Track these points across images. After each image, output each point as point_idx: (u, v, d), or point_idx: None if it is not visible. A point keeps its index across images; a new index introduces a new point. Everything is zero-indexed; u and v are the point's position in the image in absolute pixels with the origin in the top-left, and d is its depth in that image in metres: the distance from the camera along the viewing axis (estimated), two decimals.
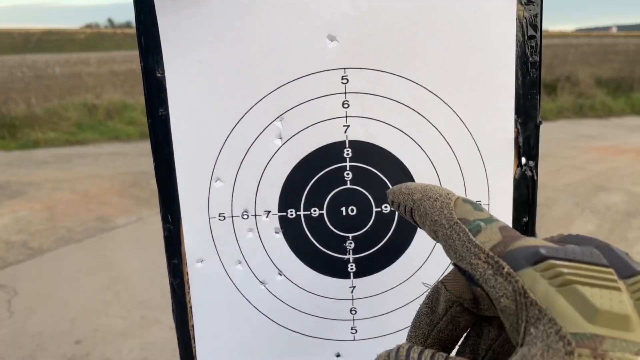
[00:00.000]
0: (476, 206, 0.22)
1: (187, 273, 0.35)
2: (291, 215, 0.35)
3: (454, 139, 0.34)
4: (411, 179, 0.34)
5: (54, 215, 3.55)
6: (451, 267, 0.36)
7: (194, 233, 0.35)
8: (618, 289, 0.18)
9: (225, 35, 0.32)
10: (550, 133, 5.54)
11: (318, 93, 0.33)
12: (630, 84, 8.20)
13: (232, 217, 0.35)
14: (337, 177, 0.34)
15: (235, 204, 0.35)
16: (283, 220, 0.35)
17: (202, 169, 0.34)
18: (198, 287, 0.35)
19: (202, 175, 0.34)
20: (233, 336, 0.36)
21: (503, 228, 0.21)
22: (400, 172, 0.34)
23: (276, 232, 0.35)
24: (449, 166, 0.34)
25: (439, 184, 0.34)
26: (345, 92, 0.33)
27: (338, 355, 0.37)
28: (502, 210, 0.35)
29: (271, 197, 0.35)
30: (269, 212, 0.35)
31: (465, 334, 0.24)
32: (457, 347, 0.23)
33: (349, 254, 0.35)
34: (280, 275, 0.36)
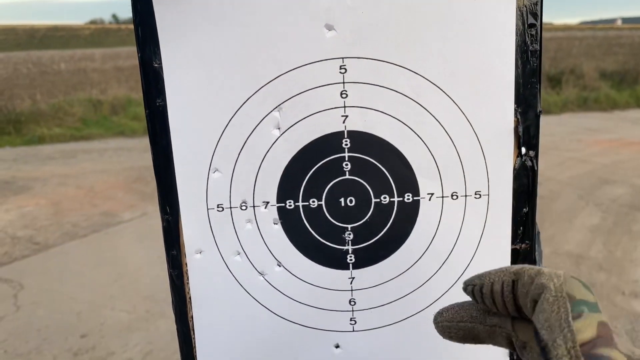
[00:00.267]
0: (585, 285, 0.22)
1: (186, 264, 0.35)
2: (290, 206, 0.35)
3: (454, 128, 0.34)
4: (410, 169, 0.34)
5: (60, 210, 3.56)
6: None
7: (192, 224, 0.35)
8: None
9: (223, 25, 0.32)
10: (554, 126, 5.52)
11: (316, 83, 0.33)
12: (634, 76, 8.14)
13: (231, 208, 0.35)
14: (335, 168, 0.34)
15: (234, 195, 0.34)
16: (281, 211, 0.35)
17: (200, 160, 0.34)
18: (197, 278, 0.35)
19: (200, 166, 0.34)
20: (232, 327, 0.36)
21: (602, 324, 0.20)
22: (399, 163, 0.34)
23: (275, 223, 0.35)
24: (449, 156, 0.34)
25: (438, 174, 0.34)
26: (343, 82, 0.33)
27: (337, 346, 0.37)
28: (502, 200, 0.34)
29: (269, 188, 0.35)
30: (268, 203, 0.35)
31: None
32: None
33: (348, 245, 0.35)
34: (279, 266, 0.36)
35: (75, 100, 6.90)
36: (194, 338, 0.36)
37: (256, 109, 0.33)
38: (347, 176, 0.34)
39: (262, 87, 0.33)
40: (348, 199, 0.35)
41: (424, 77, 0.33)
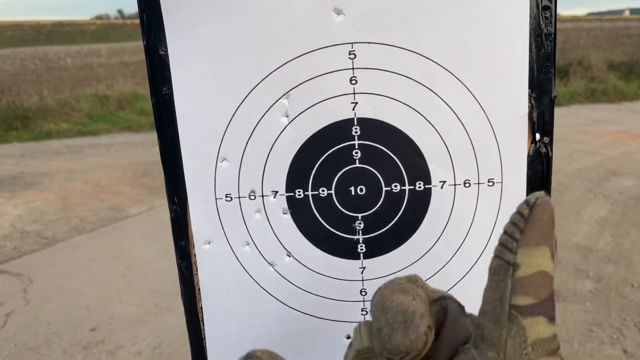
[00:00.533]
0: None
1: (194, 255, 0.35)
2: (299, 195, 0.34)
3: (466, 115, 0.33)
4: (421, 157, 0.33)
5: (68, 205, 3.58)
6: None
7: (200, 214, 0.34)
8: None
9: (229, 10, 0.31)
10: (562, 118, 5.47)
11: (325, 69, 0.32)
12: None
13: (239, 197, 0.34)
14: (345, 156, 0.34)
15: (242, 185, 0.34)
16: (291, 201, 0.34)
17: (208, 149, 0.33)
18: (206, 269, 0.35)
19: (207, 155, 0.33)
20: (242, 318, 0.36)
21: None
22: (411, 150, 0.33)
23: (284, 213, 0.35)
24: (461, 143, 0.33)
25: (450, 162, 0.34)
26: (352, 68, 0.32)
27: (349, 337, 0.36)
28: (516, 188, 0.34)
29: (278, 177, 0.34)
30: (277, 192, 0.34)
31: None
32: None
33: (359, 235, 0.35)
34: (289, 256, 0.35)
35: (82, 96, 6.93)
36: (204, 329, 0.36)
37: (264, 97, 0.33)
38: (357, 164, 0.34)
39: (270, 73, 0.32)
40: (358, 188, 0.34)
41: (435, 62, 0.32)
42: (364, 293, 0.36)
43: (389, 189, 0.34)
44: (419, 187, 0.34)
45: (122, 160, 4.67)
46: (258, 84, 0.32)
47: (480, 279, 0.34)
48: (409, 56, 0.32)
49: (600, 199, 3.31)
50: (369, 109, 0.33)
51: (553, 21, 0.32)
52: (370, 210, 0.34)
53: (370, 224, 0.35)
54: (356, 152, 0.34)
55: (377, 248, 0.35)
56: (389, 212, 0.34)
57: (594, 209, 3.14)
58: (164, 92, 0.33)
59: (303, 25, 0.32)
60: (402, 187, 0.34)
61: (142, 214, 3.38)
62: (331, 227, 0.35)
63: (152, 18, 0.32)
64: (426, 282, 0.24)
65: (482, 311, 0.23)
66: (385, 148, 0.34)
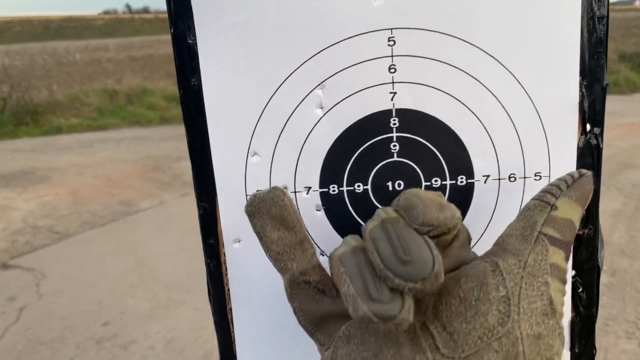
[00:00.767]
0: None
1: (224, 254, 0.33)
2: (333, 191, 0.32)
3: (512, 104, 0.31)
4: (464, 149, 0.32)
5: (79, 199, 3.59)
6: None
7: (230, 212, 0.33)
8: None
9: None
10: None
11: (362, 57, 0.30)
12: None
13: None
14: (382, 149, 0.32)
15: (274, 180, 0.32)
16: (324, 197, 0.33)
17: (238, 143, 0.32)
18: (236, 268, 0.33)
19: (238, 149, 0.32)
20: (273, 320, 0.34)
21: None
22: (453, 143, 0.31)
23: (317, 210, 0.33)
24: (506, 135, 0.31)
25: (494, 155, 0.32)
26: (392, 56, 0.30)
27: None
28: None
29: (312, 172, 0.32)
30: (310, 188, 0.32)
31: None
32: None
33: None
34: (322, 255, 0.33)
35: (91, 91, 6.95)
36: (233, 331, 0.34)
37: (297, 87, 0.31)
38: (395, 158, 0.32)
39: (304, 63, 0.31)
40: (396, 183, 0.32)
41: (479, 48, 0.30)
42: None
43: (428, 184, 0.32)
44: (461, 182, 0.32)
45: (131, 155, 4.67)
46: (291, 73, 0.31)
47: None
48: (452, 42, 0.30)
49: (613, 192, 3.26)
50: (408, 99, 0.31)
51: (606, 3, 0.30)
52: None
53: None
54: (394, 145, 0.32)
55: None
56: None
57: (607, 202, 3.10)
58: (192, 83, 0.31)
59: (340, 11, 0.30)
60: (443, 182, 0.32)
61: (152, 209, 3.38)
62: None
63: (180, 4, 0.30)
64: None
65: (507, 234, 0.26)
66: (425, 140, 0.32)
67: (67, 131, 5.96)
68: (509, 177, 0.32)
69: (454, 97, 0.31)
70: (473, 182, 0.32)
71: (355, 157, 0.32)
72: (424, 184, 0.32)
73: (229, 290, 0.34)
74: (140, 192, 3.69)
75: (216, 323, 0.34)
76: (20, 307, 2.28)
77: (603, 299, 2.15)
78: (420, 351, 0.23)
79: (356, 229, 0.33)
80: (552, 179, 0.32)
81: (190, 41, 0.30)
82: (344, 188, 0.32)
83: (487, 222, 0.33)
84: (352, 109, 0.31)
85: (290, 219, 0.27)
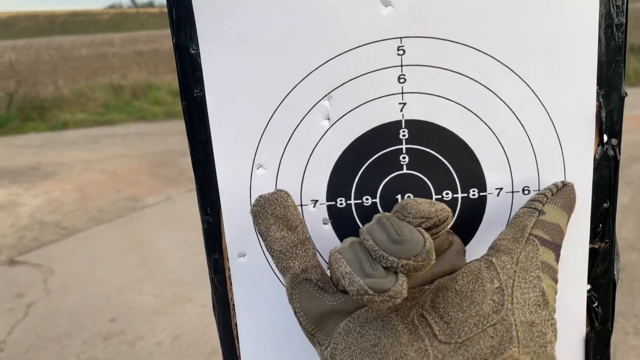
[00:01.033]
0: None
1: (228, 269, 0.32)
2: (341, 204, 0.32)
3: (526, 115, 0.30)
4: (476, 162, 0.30)
5: (85, 195, 3.60)
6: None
7: (235, 225, 0.32)
8: None
9: (266, 4, 0.28)
10: None
11: (370, 67, 0.29)
12: None
13: None
14: (391, 162, 0.31)
15: None
16: (332, 210, 0.32)
17: (243, 156, 0.31)
18: (241, 283, 0.33)
19: (242, 162, 0.31)
20: (279, 336, 0.33)
21: None
22: (464, 155, 0.30)
23: (324, 223, 0.32)
24: (520, 146, 0.30)
25: (507, 167, 0.31)
26: (401, 65, 0.29)
27: None
28: (580, 195, 0.31)
29: (318, 184, 0.31)
30: (316, 201, 0.32)
31: None
32: None
33: None
34: (329, 269, 0.32)
35: (97, 86, 6.96)
36: (238, 347, 0.34)
37: (304, 98, 0.30)
38: (405, 170, 0.31)
39: (310, 73, 0.30)
40: (406, 196, 0.31)
41: (492, 57, 0.29)
42: None
43: (439, 196, 0.31)
44: (473, 195, 0.31)
45: (138, 150, 4.68)
46: (297, 84, 0.30)
47: None
48: (464, 51, 0.29)
49: (622, 186, 3.23)
50: (418, 110, 0.30)
51: (625, 10, 0.29)
52: None
53: None
54: (404, 157, 0.31)
55: None
56: None
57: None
58: (195, 95, 0.30)
59: (347, 19, 0.29)
60: (455, 195, 0.31)
61: (159, 204, 3.38)
62: None
63: (182, 13, 0.29)
64: None
65: (499, 239, 0.28)
66: (436, 152, 0.31)
67: (73, 126, 5.97)
68: (523, 190, 0.31)
69: (465, 107, 0.30)
70: (485, 195, 0.31)
71: (364, 170, 0.31)
72: (434, 196, 0.31)
73: (234, 305, 0.33)
74: (147, 187, 3.69)
75: (221, 338, 0.34)
76: (28, 303, 2.29)
77: None
78: (418, 339, 0.24)
79: None
80: None
81: (192, 51, 0.29)
82: (352, 201, 0.31)
83: None
84: (360, 120, 0.30)
85: (293, 219, 0.28)
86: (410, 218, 0.26)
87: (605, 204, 0.31)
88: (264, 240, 0.28)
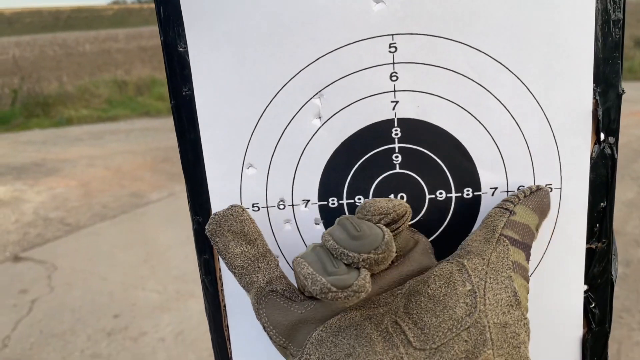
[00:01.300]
0: None
1: (219, 269, 0.32)
2: (333, 204, 0.31)
3: (521, 113, 0.29)
4: (470, 161, 0.30)
5: (89, 191, 3.61)
6: None
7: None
8: None
9: (255, 0, 0.28)
10: None
11: (362, 65, 0.29)
12: None
13: (267, 207, 0.31)
14: (384, 161, 0.30)
15: (270, 193, 0.31)
16: (324, 210, 0.31)
17: (233, 155, 0.30)
18: (232, 284, 0.32)
19: (232, 162, 0.30)
20: None
21: None
22: (458, 154, 0.30)
23: (316, 223, 0.31)
24: (515, 145, 0.30)
25: (502, 166, 0.30)
26: (393, 63, 0.29)
27: None
28: (577, 194, 0.30)
29: (310, 184, 0.31)
30: (308, 201, 0.31)
31: None
32: None
33: None
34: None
35: (101, 82, 6.97)
36: (230, 349, 0.33)
37: (294, 97, 0.29)
38: (398, 170, 0.30)
39: (301, 71, 0.29)
40: (399, 196, 0.31)
41: (486, 54, 0.28)
42: None
43: (433, 196, 0.31)
44: (467, 195, 0.31)
45: (141, 146, 4.69)
46: (287, 82, 0.29)
47: (533, 294, 0.30)
48: (457, 48, 0.28)
49: (627, 181, 3.22)
50: (411, 109, 0.29)
51: (622, 5, 0.28)
52: (413, 220, 0.31)
53: None
54: (396, 157, 0.30)
55: None
56: (433, 222, 0.31)
57: (622, 191, 3.06)
58: (184, 93, 0.30)
59: (338, 16, 0.28)
60: (448, 195, 0.31)
61: (162, 200, 3.39)
62: None
63: (169, 10, 0.28)
64: None
65: (470, 239, 0.28)
66: (429, 151, 0.30)
67: (77, 122, 5.99)
68: (518, 190, 0.30)
69: (459, 105, 0.29)
70: (480, 195, 0.30)
71: (356, 169, 0.30)
72: (427, 196, 0.31)
73: (225, 306, 0.33)
74: (150, 183, 3.70)
75: (213, 340, 0.33)
76: (32, 300, 2.30)
77: (616, 290, 2.13)
78: (392, 347, 0.24)
79: None
80: (564, 191, 0.30)
81: (181, 49, 0.29)
82: (344, 201, 0.31)
83: None
84: (352, 118, 0.30)
85: (251, 233, 0.28)
86: (370, 215, 0.26)
87: (602, 204, 0.30)
88: (224, 258, 0.28)
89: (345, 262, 0.23)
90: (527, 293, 0.27)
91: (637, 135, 4.02)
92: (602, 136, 0.30)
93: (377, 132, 0.30)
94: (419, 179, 0.30)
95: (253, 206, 0.31)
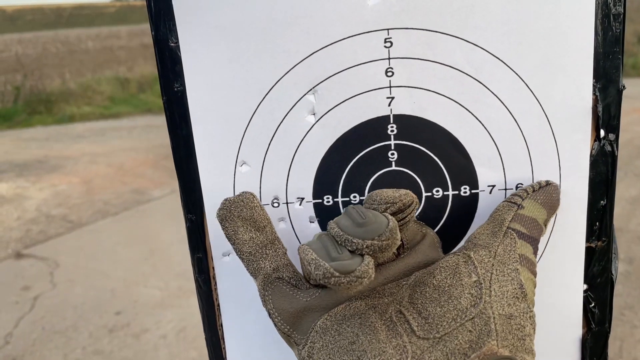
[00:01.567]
0: None
1: (213, 268, 0.32)
2: (328, 202, 0.31)
3: (519, 109, 0.29)
4: (468, 158, 0.29)
5: (91, 188, 3.61)
6: None
7: (219, 224, 0.31)
8: None
9: None
10: None
11: (357, 60, 0.28)
12: None
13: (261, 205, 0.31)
14: (379, 158, 0.30)
15: (264, 191, 0.30)
16: (318, 208, 0.31)
17: (226, 152, 0.30)
18: (226, 283, 0.32)
19: (225, 159, 0.30)
20: (265, 336, 0.33)
21: None
22: (455, 151, 0.29)
23: (311, 222, 0.31)
24: (513, 142, 0.29)
25: (500, 163, 0.29)
26: (389, 58, 0.28)
27: None
28: (576, 192, 0.29)
29: (304, 182, 0.30)
30: (303, 199, 0.31)
31: None
32: None
33: None
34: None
35: (103, 79, 6.97)
36: (224, 348, 0.33)
37: (288, 93, 0.29)
38: (393, 167, 0.30)
39: (294, 66, 0.28)
40: None
41: (484, 49, 0.28)
42: None
43: (429, 194, 0.30)
44: (465, 193, 0.30)
45: (144, 143, 4.69)
46: (281, 78, 0.29)
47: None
48: (454, 43, 0.28)
49: (631, 178, 3.20)
50: (407, 105, 0.29)
51: None
52: None
53: None
54: (392, 154, 0.30)
55: None
56: (430, 221, 0.30)
57: (625, 189, 3.04)
58: (175, 89, 0.29)
59: (332, 10, 0.27)
60: (445, 193, 0.30)
61: (164, 197, 3.39)
62: None
63: (160, 5, 0.28)
64: None
65: (478, 232, 0.28)
66: (426, 148, 0.29)
67: (79, 119, 5.99)
68: (516, 187, 0.30)
69: (456, 102, 0.29)
70: (477, 193, 0.30)
71: (351, 166, 0.30)
72: (424, 194, 0.30)
73: (219, 305, 0.32)
74: (152, 180, 3.70)
75: (207, 339, 0.33)
76: (34, 296, 2.31)
77: (619, 288, 2.12)
78: (396, 335, 0.24)
79: None
80: (564, 189, 0.30)
81: (172, 44, 0.28)
82: (339, 199, 0.30)
83: None
84: (347, 115, 0.29)
85: (260, 220, 0.28)
86: (376, 204, 0.26)
87: (602, 202, 0.30)
88: (233, 244, 0.28)
89: (350, 248, 0.24)
90: (534, 287, 0.27)
91: None
92: (602, 133, 0.29)
93: (372, 129, 0.29)
94: (415, 177, 0.30)
95: None
